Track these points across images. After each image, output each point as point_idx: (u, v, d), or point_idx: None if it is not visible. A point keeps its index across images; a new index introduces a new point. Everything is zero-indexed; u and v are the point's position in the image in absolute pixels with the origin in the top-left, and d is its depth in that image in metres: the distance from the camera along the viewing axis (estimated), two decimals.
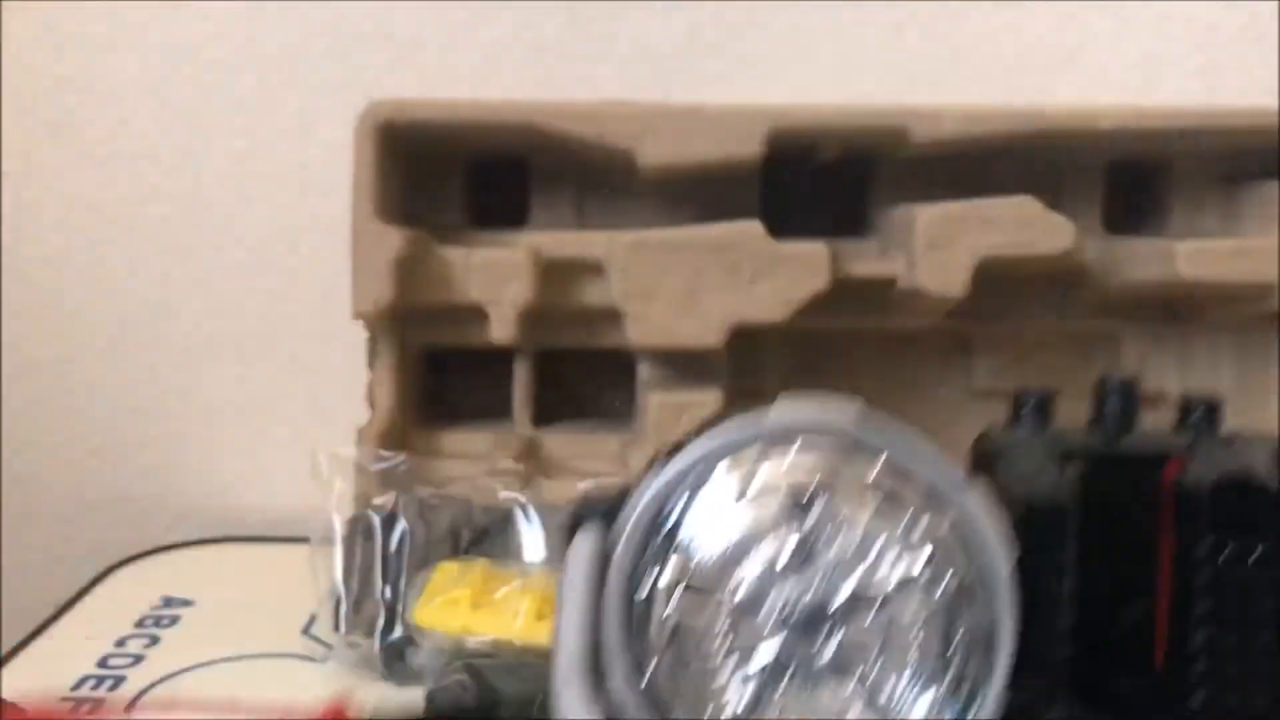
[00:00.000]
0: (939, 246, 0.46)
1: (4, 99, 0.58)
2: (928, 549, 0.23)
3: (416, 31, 0.57)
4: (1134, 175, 0.51)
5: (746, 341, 0.48)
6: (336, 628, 0.42)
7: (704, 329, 0.46)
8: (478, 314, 0.47)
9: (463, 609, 0.39)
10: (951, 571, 0.22)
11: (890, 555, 0.23)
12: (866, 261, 0.48)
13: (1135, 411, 0.29)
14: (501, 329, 0.47)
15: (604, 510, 0.25)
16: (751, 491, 0.23)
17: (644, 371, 0.49)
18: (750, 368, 0.51)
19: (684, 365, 0.48)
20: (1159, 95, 0.57)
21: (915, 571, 0.23)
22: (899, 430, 0.23)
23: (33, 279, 0.59)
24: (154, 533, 0.60)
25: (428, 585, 0.40)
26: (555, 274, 0.47)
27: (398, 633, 0.41)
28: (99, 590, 0.51)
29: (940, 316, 0.48)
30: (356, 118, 0.47)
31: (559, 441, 0.49)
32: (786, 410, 0.23)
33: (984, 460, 0.29)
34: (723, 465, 0.23)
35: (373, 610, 0.42)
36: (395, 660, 0.40)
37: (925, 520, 0.23)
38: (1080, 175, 0.50)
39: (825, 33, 0.57)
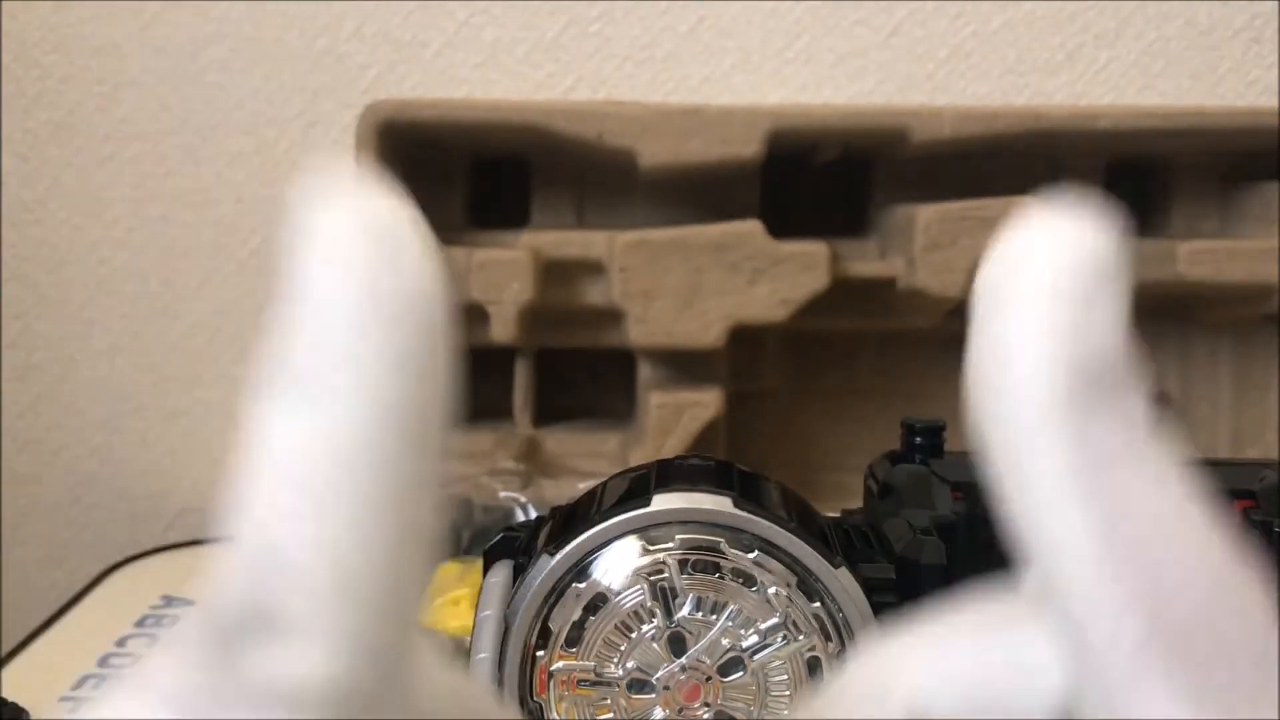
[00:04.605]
0: (939, 246, 0.46)
1: (4, 99, 0.58)
2: (789, 618, 0.24)
3: (416, 31, 0.57)
4: (1134, 175, 0.51)
5: (746, 341, 0.48)
6: None
7: (704, 329, 0.46)
8: (478, 314, 0.47)
9: (463, 609, 0.39)
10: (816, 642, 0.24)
11: (758, 623, 0.24)
12: (866, 261, 0.48)
13: None
14: (502, 329, 0.47)
15: (513, 560, 0.26)
16: (627, 583, 0.24)
17: (644, 371, 0.49)
18: (750, 368, 0.51)
19: (684, 365, 0.48)
20: (1159, 95, 0.57)
21: (780, 632, 0.24)
22: (771, 515, 0.24)
23: (33, 279, 0.59)
24: (154, 533, 0.60)
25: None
26: (555, 274, 0.47)
27: None
28: (99, 590, 0.51)
29: (940, 316, 0.48)
30: (357, 118, 0.47)
31: (559, 441, 0.49)
32: (665, 499, 0.24)
33: (872, 494, 0.29)
34: (602, 557, 0.24)
35: None
36: None
37: (790, 597, 0.24)
38: (1079, 175, 0.50)
39: (825, 33, 0.57)
